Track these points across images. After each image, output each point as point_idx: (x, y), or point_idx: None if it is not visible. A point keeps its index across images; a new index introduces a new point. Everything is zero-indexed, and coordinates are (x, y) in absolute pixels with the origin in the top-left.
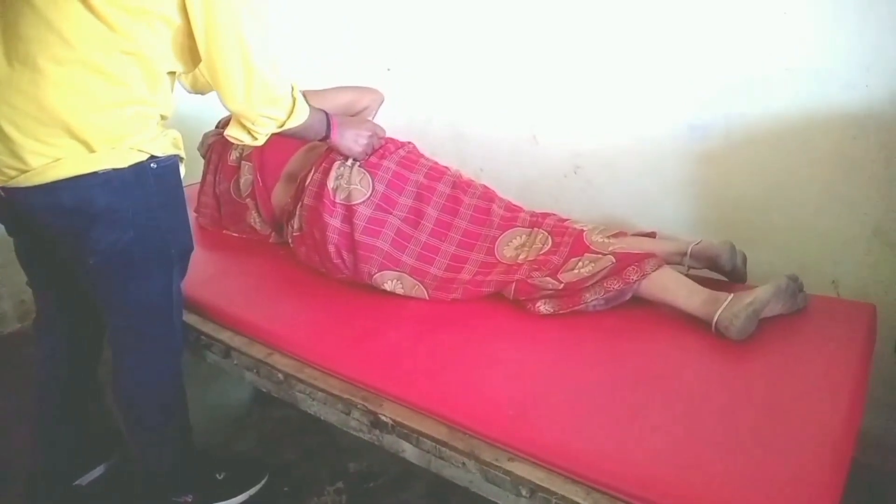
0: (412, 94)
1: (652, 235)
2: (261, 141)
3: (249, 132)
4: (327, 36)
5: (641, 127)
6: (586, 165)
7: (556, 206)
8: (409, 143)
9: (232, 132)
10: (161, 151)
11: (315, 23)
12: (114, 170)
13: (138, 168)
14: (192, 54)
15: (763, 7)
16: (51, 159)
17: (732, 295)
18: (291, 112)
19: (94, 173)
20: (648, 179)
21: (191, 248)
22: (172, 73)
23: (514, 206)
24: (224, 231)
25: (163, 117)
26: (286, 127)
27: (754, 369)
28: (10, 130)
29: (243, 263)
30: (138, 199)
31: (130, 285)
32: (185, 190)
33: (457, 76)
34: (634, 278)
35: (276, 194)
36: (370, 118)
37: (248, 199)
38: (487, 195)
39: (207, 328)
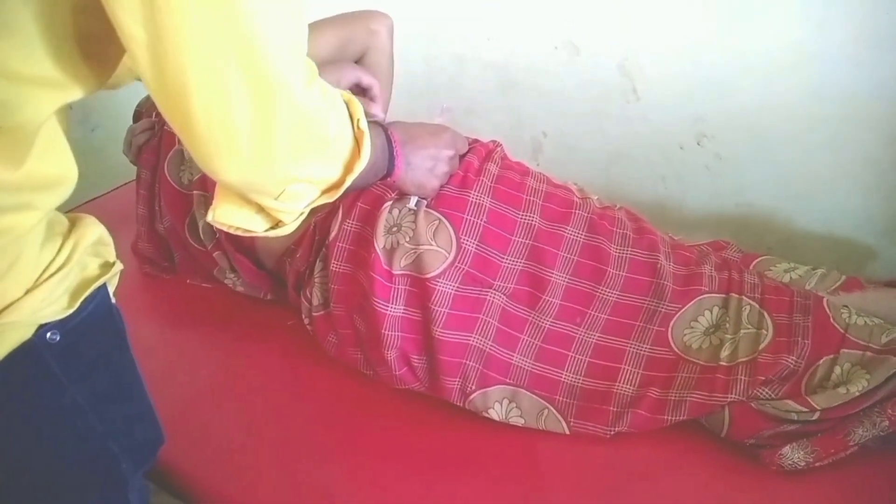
0: (428, 18)
1: None
2: (290, 227)
3: (266, 213)
4: None
5: (813, 73)
6: (716, 133)
7: (665, 192)
8: (495, 143)
9: (225, 217)
10: (62, 303)
11: None
12: None
13: (17, 360)
14: (99, 58)
15: None
16: None
17: None
18: (354, 158)
19: None
20: (821, 157)
21: (160, 442)
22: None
23: (682, 245)
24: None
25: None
26: (344, 187)
27: None
28: None
29: (236, 363)
30: (27, 417)
31: None
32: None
33: None
34: None
35: (264, 240)
36: (381, 60)
37: (215, 253)
38: (647, 239)
39: None
